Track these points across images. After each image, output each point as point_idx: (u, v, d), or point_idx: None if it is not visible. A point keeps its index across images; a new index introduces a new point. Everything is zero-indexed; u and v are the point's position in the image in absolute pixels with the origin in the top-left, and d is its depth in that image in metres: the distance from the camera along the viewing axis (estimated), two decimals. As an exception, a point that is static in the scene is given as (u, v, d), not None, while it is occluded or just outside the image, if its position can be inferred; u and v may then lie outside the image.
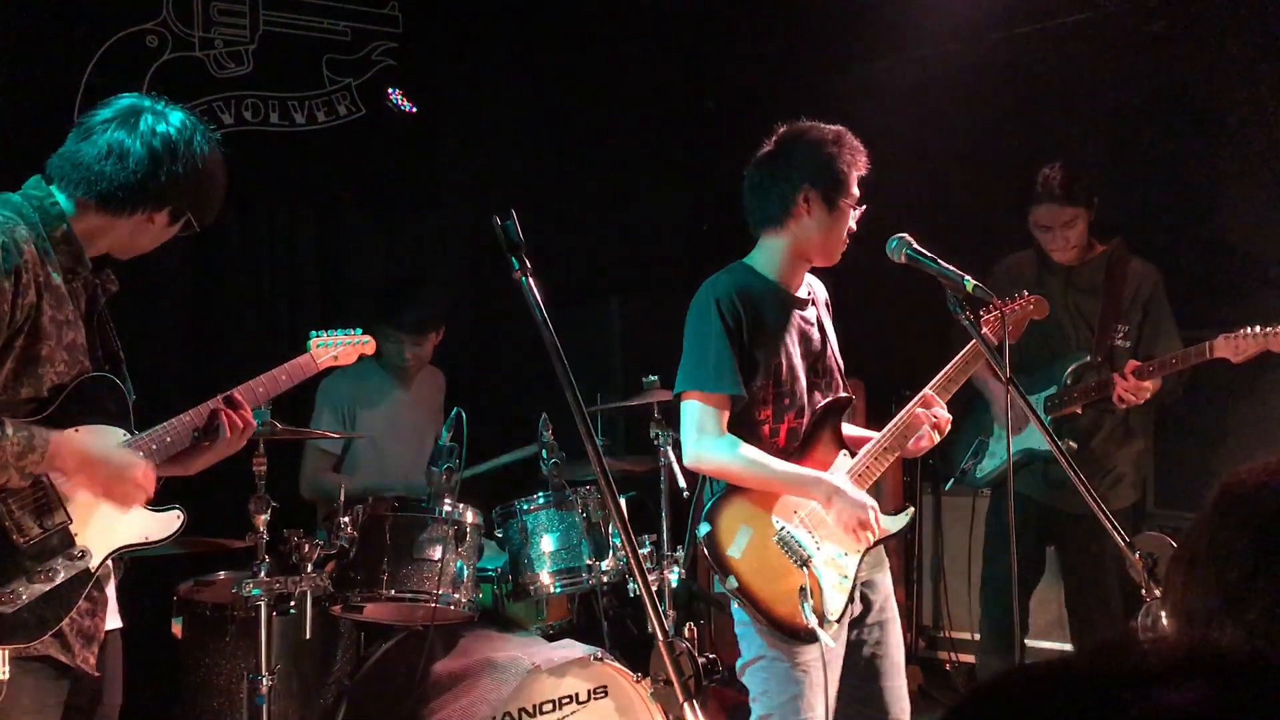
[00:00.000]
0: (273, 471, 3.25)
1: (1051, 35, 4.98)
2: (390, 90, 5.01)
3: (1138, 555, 2.32)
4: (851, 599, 2.86)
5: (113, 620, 2.54)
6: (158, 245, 2.53)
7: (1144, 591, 2.27)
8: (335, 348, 2.97)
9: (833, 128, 2.92)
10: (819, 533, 2.86)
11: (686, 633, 2.86)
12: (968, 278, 2.76)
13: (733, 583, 2.78)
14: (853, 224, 2.93)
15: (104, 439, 2.37)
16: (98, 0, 4.41)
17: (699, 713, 1.78)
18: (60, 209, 2.34)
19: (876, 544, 2.93)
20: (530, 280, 2.10)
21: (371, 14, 4.98)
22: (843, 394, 3.03)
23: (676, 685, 1.80)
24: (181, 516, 2.51)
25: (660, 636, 1.83)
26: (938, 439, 2.96)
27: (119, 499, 2.36)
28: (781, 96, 5.55)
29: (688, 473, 3.62)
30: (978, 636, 4.98)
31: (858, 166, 2.89)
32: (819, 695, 2.78)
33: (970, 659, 5.14)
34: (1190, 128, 4.70)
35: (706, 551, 2.83)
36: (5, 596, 2.20)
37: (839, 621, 2.80)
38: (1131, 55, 4.77)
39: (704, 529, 2.85)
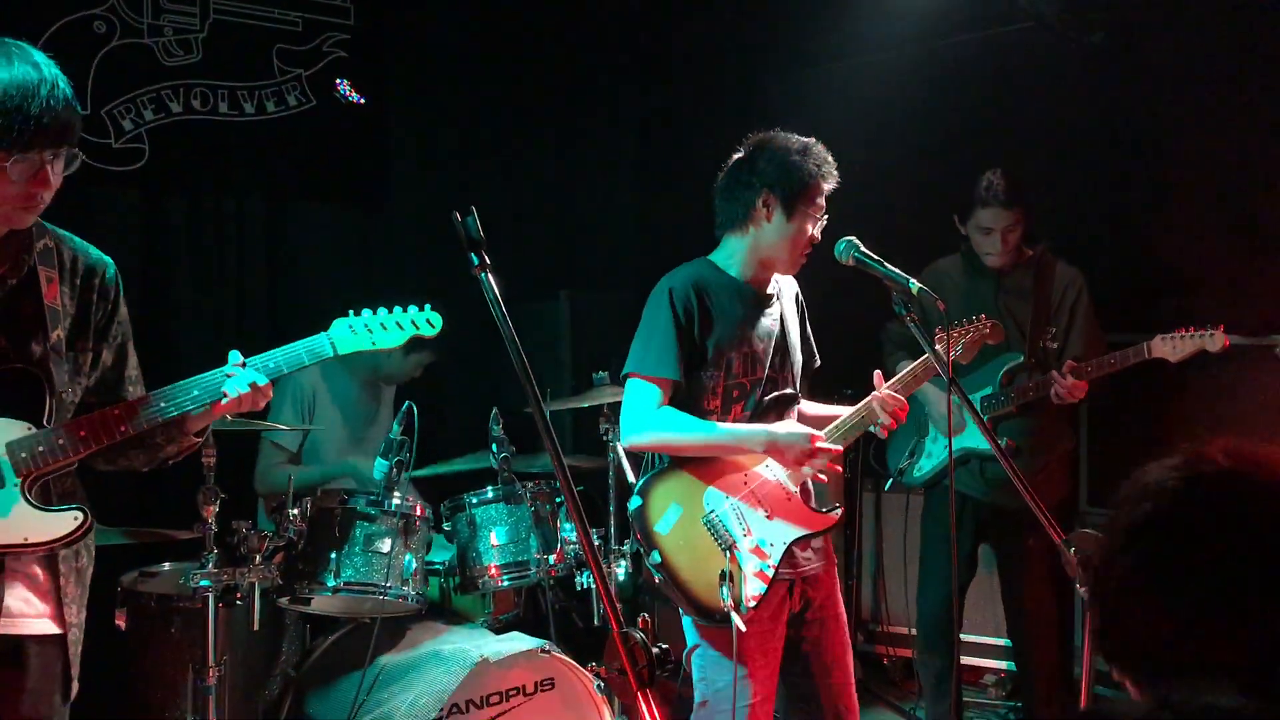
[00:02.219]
0: (222, 463, 3.23)
1: (993, 44, 5.08)
2: (338, 81, 5.00)
3: (1073, 551, 2.40)
4: (772, 588, 2.90)
5: (38, 625, 2.39)
6: (6, 196, 2.23)
7: (1079, 586, 2.37)
8: (372, 332, 2.53)
9: (802, 139, 2.99)
10: (749, 519, 2.93)
11: (640, 624, 2.89)
12: (913, 280, 2.84)
13: (655, 558, 2.88)
14: (816, 234, 3.00)
15: None
16: (44, -18, 4.36)
17: (653, 702, 1.82)
18: None
19: (815, 535, 3.00)
20: (489, 276, 2.12)
21: (323, 5, 4.96)
22: (788, 390, 3.10)
23: (630, 675, 1.84)
24: (80, 519, 2.33)
25: (614, 626, 1.88)
26: (894, 423, 3.02)
27: None
28: (727, 96, 5.63)
29: (636, 467, 3.67)
30: (914, 631, 5.09)
31: (823, 178, 2.95)
32: (750, 683, 2.86)
33: (908, 653, 5.25)
34: (1126, 137, 4.84)
35: (635, 525, 2.93)
36: None
37: (755, 609, 2.85)
38: (1071, 65, 4.89)
39: (635, 503, 2.96)
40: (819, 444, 2.92)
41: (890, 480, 4.39)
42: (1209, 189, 4.56)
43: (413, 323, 2.55)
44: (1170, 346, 3.75)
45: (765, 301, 3.07)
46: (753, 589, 2.86)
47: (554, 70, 5.59)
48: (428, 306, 2.57)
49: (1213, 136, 4.51)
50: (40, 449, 2.29)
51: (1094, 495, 4.26)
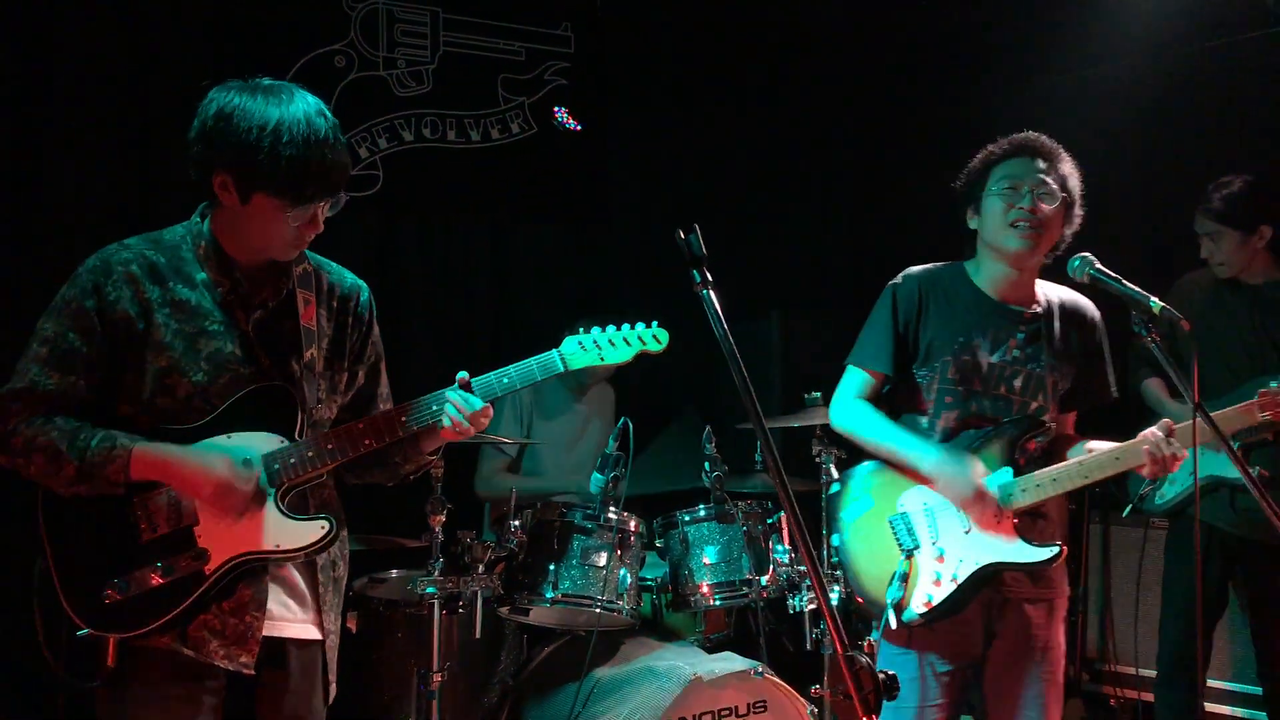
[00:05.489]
0: (448, 474, 3.36)
1: (1236, 51, 4.81)
2: (556, 109, 5.16)
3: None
4: (952, 602, 2.81)
5: (300, 629, 2.48)
6: (280, 236, 2.36)
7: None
8: (600, 349, 2.52)
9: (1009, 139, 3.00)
10: (942, 527, 2.88)
11: (865, 648, 2.85)
12: (1154, 299, 2.69)
13: (835, 540, 3.02)
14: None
15: (227, 447, 2.34)
16: (288, 23, 4.66)
17: (879, 728, 1.77)
18: (202, 226, 2.42)
19: (1018, 568, 2.82)
20: (712, 293, 2.13)
21: (545, 34, 5.14)
22: (1029, 415, 2.91)
23: (856, 700, 1.80)
24: (326, 528, 2.38)
25: (839, 649, 1.83)
26: (1158, 472, 2.77)
27: (216, 504, 2.33)
28: (947, 112, 5.48)
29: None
30: (1143, 672, 4.80)
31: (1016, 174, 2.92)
32: (914, 690, 2.86)
33: (1133, 694, 4.96)
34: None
35: (826, 504, 3.04)
36: (113, 587, 2.28)
37: (923, 617, 2.81)
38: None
39: (835, 486, 3.09)
40: (982, 495, 2.80)
41: (1129, 507, 4.16)
42: None
43: (640, 339, 2.55)
44: None
45: (1010, 316, 2.95)
46: (924, 596, 2.82)
47: (767, 92, 5.59)
48: (655, 323, 2.57)
49: None
50: (292, 460, 2.38)
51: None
